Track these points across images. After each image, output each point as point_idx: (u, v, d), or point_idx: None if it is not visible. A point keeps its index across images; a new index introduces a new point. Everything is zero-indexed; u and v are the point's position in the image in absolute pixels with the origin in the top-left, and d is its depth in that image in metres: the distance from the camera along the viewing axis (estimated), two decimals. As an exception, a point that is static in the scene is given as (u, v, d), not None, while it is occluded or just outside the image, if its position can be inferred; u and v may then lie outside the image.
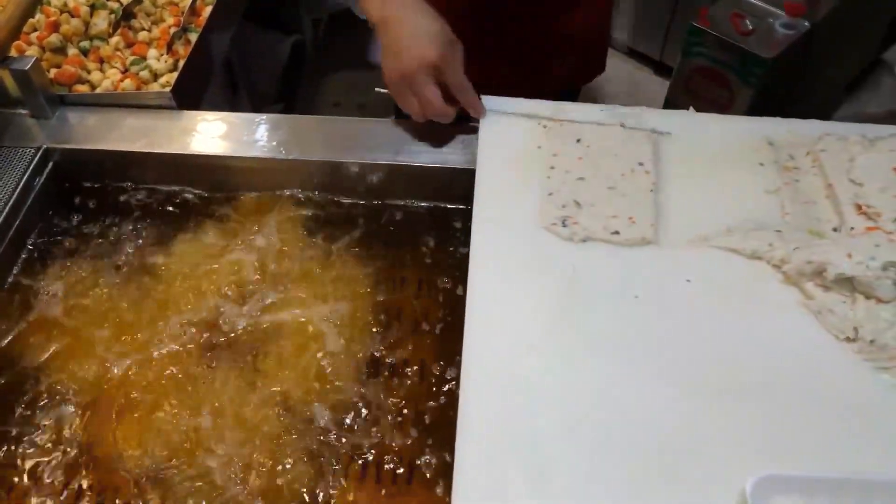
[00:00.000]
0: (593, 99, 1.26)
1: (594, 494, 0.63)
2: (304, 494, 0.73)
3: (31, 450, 0.77)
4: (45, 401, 0.80)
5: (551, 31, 1.15)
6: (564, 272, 0.77)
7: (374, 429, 0.78)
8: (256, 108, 1.75)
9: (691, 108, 0.96)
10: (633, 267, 0.77)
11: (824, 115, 1.87)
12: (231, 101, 1.58)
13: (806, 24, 1.87)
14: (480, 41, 1.08)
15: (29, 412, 0.80)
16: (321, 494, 0.73)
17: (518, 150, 0.88)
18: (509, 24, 1.13)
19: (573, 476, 0.64)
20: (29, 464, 0.76)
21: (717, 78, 1.93)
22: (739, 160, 0.87)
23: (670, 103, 2.07)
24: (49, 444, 0.77)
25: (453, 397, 0.75)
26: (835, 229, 0.80)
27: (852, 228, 0.78)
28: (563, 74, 1.23)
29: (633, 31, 2.57)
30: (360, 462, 0.75)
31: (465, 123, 0.99)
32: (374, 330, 0.86)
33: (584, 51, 1.24)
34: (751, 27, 1.86)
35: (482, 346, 0.71)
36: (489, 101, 0.93)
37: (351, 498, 0.73)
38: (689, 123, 0.92)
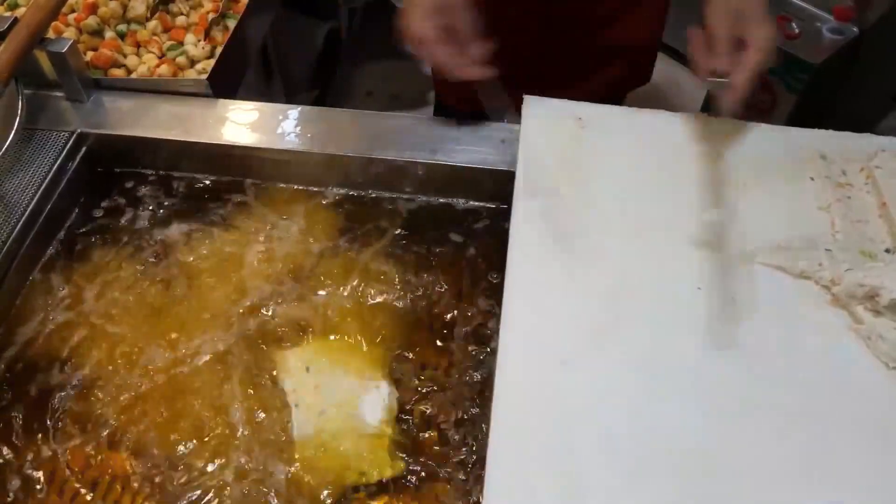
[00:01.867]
0: (631, 99, 1.22)
1: (628, 513, 0.61)
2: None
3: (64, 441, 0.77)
4: (72, 388, 0.80)
5: (599, 39, 1.11)
6: (604, 283, 0.74)
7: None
8: (290, 95, 1.74)
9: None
10: (675, 282, 0.75)
11: (870, 124, 1.82)
12: (265, 87, 1.56)
13: (854, 29, 1.82)
14: (522, 43, 1.05)
15: (54, 398, 0.79)
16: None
17: (560, 152, 0.85)
18: (557, 28, 1.09)
19: (608, 493, 0.62)
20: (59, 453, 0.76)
21: (760, 83, 1.88)
22: (789, 173, 0.84)
23: (709, 107, 2.02)
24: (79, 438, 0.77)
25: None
26: (887, 250, 0.76)
27: (906, 251, 0.75)
28: (607, 82, 1.18)
29: (675, 30, 2.52)
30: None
31: (505, 123, 0.97)
32: (403, 333, 0.84)
33: (632, 60, 1.20)
34: (797, 31, 1.81)
35: (517, 357, 0.69)
36: (531, 100, 0.90)
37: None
38: (736, 132, 0.89)
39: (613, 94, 1.27)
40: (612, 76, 1.18)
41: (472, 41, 0.81)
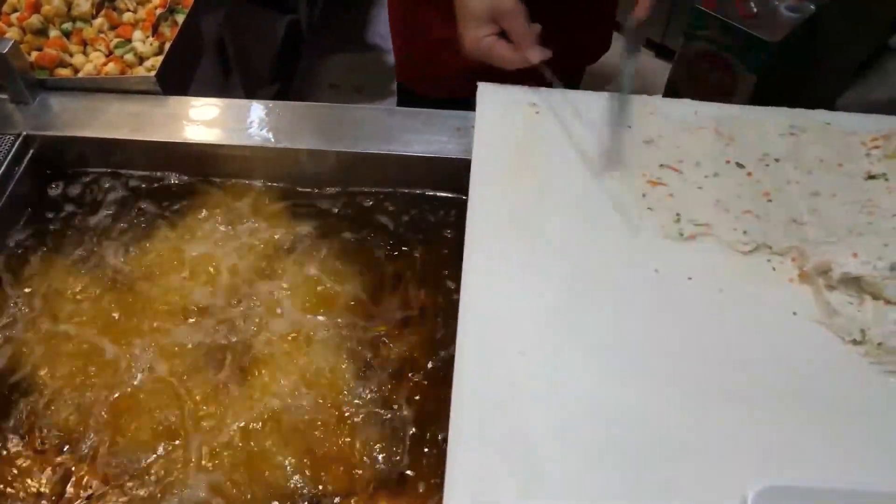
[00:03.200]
0: (589, 81, 1.21)
1: (587, 498, 0.60)
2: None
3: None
4: (25, 400, 0.78)
5: (557, 8, 1.10)
6: (562, 269, 0.74)
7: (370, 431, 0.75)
8: (250, 91, 1.71)
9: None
10: (632, 266, 0.74)
11: (829, 101, 1.84)
12: (223, 83, 1.54)
13: (812, 7, 1.83)
14: None
15: (8, 410, 0.77)
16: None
17: (514, 139, 0.85)
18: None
19: (566, 479, 0.61)
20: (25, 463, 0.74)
21: (720, 63, 1.89)
22: (744, 152, 0.84)
23: (671, 88, 2.03)
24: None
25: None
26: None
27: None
28: (568, 53, 1.18)
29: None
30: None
31: (462, 112, 0.96)
32: (363, 324, 0.83)
33: (591, 29, 1.20)
34: (755, 10, 1.82)
35: (476, 343, 0.68)
36: (485, 88, 0.90)
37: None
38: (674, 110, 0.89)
39: (576, 66, 1.27)
40: (572, 48, 1.17)
41: (527, 38, 0.85)
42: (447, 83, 1.13)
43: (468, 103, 0.91)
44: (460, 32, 0.88)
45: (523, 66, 0.86)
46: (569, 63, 1.20)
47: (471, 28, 0.86)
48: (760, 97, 1.85)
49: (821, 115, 0.87)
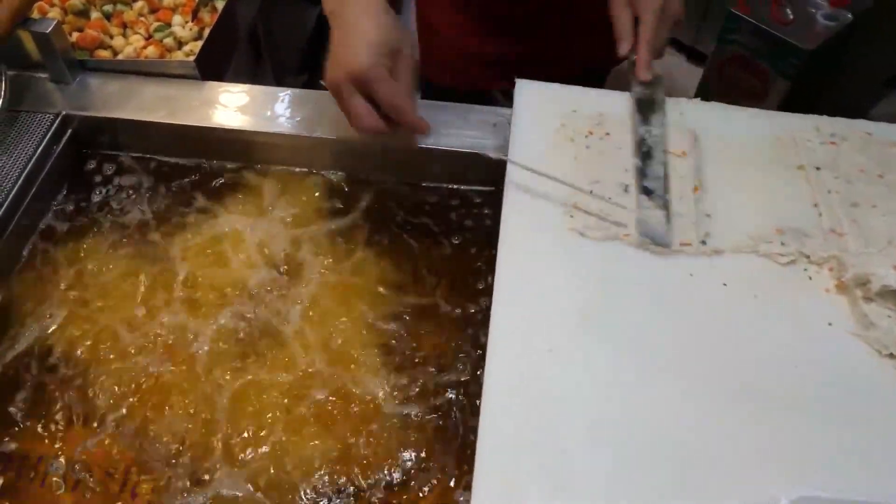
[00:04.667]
0: (620, 84, 1.20)
1: (616, 500, 0.60)
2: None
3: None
4: (68, 374, 0.79)
5: (576, 8, 1.09)
6: (595, 268, 0.73)
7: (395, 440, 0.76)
8: (279, 79, 1.72)
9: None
10: (666, 268, 0.74)
11: (861, 109, 1.82)
12: (254, 71, 1.54)
13: (849, 15, 1.81)
14: (499, 14, 1.03)
15: (47, 384, 0.78)
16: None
17: (551, 137, 0.84)
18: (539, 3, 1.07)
19: (595, 480, 0.61)
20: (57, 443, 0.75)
21: (753, 68, 1.87)
22: (780, 158, 0.83)
23: (702, 92, 2.02)
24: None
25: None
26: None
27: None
28: (587, 56, 1.17)
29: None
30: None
31: (497, 107, 0.96)
32: (394, 317, 0.83)
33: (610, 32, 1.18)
34: (791, 16, 1.80)
35: (507, 340, 0.68)
36: (523, 84, 0.89)
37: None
38: (723, 116, 0.88)
39: (596, 71, 1.26)
40: (591, 50, 1.16)
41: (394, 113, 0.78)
42: (466, 74, 1.11)
43: (490, 97, 0.90)
44: (328, 67, 0.78)
45: (377, 132, 0.78)
46: (587, 65, 1.19)
47: (360, 54, 0.75)
48: (792, 103, 1.83)
49: (862, 124, 0.86)
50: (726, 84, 1.95)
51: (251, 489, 0.71)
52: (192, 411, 0.76)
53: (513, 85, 0.89)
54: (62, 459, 0.73)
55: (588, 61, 1.18)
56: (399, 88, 0.78)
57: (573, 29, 1.12)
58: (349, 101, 0.77)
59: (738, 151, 0.84)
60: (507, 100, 0.89)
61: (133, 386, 0.78)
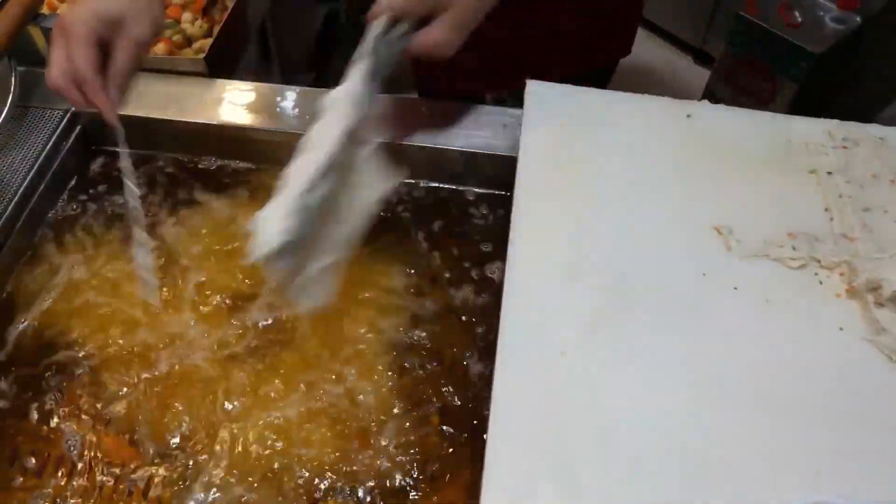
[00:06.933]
0: (627, 84, 1.20)
1: (625, 504, 0.60)
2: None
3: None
4: (75, 369, 0.79)
5: (579, 5, 1.08)
6: (606, 272, 0.73)
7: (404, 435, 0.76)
8: (287, 77, 1.72)
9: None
10: (677, 271, 0.74)
11: (870, 113, 1.81)
12: (263, 68, 1.54)
13: (857, 18, 1.81)
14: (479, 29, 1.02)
15: (51, 381, 0.78)
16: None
17: (562, 139, 0.84)
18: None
19: (605, 485, 0.61)
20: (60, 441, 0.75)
21: (761, 70, 1.87)
22: (790, 162, 0.83)
23: (709, 94, 2.01)
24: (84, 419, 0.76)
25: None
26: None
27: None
28: (590, 54, 1.15)
29: (674, 16, 2.50)
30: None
31: (506, 108, 0.95)
32: (405, 318, 0.83)
33: (613, 29, 1.17)
34: (800, 19, 1.80)
35: (517, 343, 0.68)
36: (533, 85, 0.89)
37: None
38: (734, 120, 0.87)
39: (598, 67, 1.25)
40: (594, 47, 1.15)
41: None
42: (453, 83, 1.10)
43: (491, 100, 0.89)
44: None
45: (87, 108, 0.74)
46: (585, 63, 1.17)
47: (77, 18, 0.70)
48: (800, 107, 1.83)
49: (875, 129, 0.86)
50: (733, 86, 1.95)
51: (252, 489, 0.71)
52: (195, 410, 0.76)
53: (499, 92, 0.89)
54: (61, 453, 0.73)
55: (567, 70, 1.17)
56: (91, 56, 0.72)
57: (555, 42, 1.11)
58: (51, 48, 0.72)
59: (750, 155, 0.83)
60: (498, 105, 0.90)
61: (137, 382, 0.78)
